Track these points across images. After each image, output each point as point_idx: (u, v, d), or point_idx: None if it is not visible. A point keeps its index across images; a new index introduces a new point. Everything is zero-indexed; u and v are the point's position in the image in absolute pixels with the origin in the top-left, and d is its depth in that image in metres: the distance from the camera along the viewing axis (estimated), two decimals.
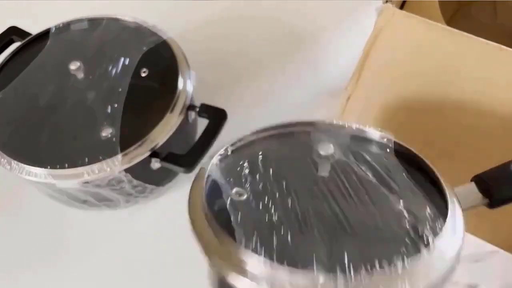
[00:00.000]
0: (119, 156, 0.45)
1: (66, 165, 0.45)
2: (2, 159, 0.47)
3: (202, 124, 0.52)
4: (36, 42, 0.55)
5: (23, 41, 0.56)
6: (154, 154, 0.48)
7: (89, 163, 0.45)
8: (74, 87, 0.50)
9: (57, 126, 0.48)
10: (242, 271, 0.31)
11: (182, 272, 0.52)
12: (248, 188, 0.36)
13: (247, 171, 0.37)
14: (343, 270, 0.30)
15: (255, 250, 0.32)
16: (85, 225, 0.56)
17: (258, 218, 0.34)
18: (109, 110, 0.48)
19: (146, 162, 0.48)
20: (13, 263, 0.54)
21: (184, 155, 0.48)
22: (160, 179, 0.54)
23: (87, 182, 0.46)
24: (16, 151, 0.47)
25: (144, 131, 0.47)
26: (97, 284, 0.52)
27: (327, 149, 0.37)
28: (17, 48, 0.55)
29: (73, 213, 0.56)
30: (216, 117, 0.51)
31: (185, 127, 0.52)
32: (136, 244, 0.54)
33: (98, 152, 0.45)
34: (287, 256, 0.31)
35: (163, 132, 0.48)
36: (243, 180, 0.37)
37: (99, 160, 0.45)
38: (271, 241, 0.32)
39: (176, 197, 0.58)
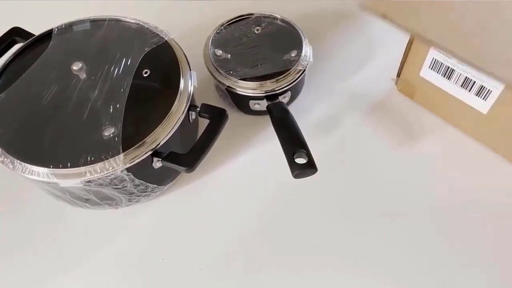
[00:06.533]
0: (121, 155, 0.46)
1: (69, 164, 0.45)
2: (5, 159, 0.47)
3: (203, 124, 0.52)
4: (38, 42, 0.56)
5: (26, 42, 0.56)
6: (156, 153, 0.48)
7: (92, 162, 0.45)
8: (76, 87, 0.51)
9: (59, 126, 0.49)
10: None
11: (183, 271, 0.53)
12: None
13: None
14: None
15: None
16: (87, 224, 0.56)
17: None
18: (111, 110, 0.49)
19: (147, 161, 0.48)
20: (15, 262, 0.54)
21: (185, 154, 0.48)
22: (161, 178, 0.55)
23: (89, 181, 0.46)
24: (19, 151, 0.47)
25: (146, 130, 0.48)
26: (99, 282, 0.52)
27: None
28: (19, 48, 0.56)
29: (76, 212, 0.56)
30: (217, 117, 0.51)
31: (186, 126, 0.53)
32: (138, 242, 0.55)
33: (100, 151, 0.46)
34: None
35: (164, 131, 0.48)
36: None
37: (101, 160, 0.45)
38: None
39: (178, 196, 0.58)
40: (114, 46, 0.54)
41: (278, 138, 0.53)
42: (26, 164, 0.46)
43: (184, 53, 0.55)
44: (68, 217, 0.57)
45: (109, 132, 0.47)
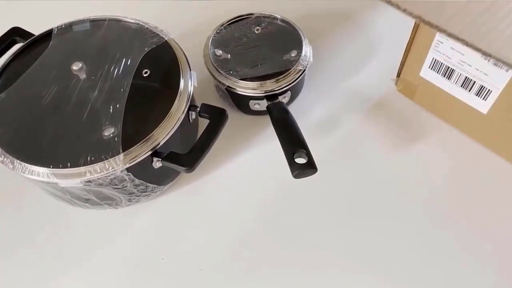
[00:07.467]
0: (121, 155, 0.46)
1: (69, 164, 0.45)
2: (5, 159, 0.47)
3: (203, 124, 0.52)
4: (38, 42, 0.56)
5: (26, 42, 0.56)
6: (156, 153, 0.48)
7: (92, 162, 0.45)
8: (76, 87, 0.51)
9: (59, 126, 0.49)
10: None
11: (183, 271, 0.53)
12: None
13: None
14: None
15: None
16: (87, 224, 0.56)
17: None
18: (111, 110, 0.49)
19: (147, 161, 0.48)
20: (15, 262, 0.54)
21: (185, 154, 0.48)
22: (161, 178, 0.55)
23: (89, 181, 0.46)
24: (19, 151, 0.47)
25: (146, 130, 0.48)
26: (99, 282, 0.52)
27: None
28: (19, 48, 0.56)
29: (76, 212, 0.56)
30: (217, 117, 0.51)
31: (186, 126, 0.53)
32: (138, 242, 0.55)
33: (100, 151, 0.46)
34: None
35: (164, 131, 0.48)
36: None
37: (101, 160, 0.45)
38: None
39: (178, 196, 0.58)
40: (114, 46, 0.54)
41: (278, 138, 0.53)
42: (26, 164, 0.46)
43: (184, 53, 0.55)
44: (68, 217, 0.57)
45: (109, 132, 0.47)
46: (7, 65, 0.54)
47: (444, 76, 0.56)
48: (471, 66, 0.53)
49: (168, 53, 0.54)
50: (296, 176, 0.49)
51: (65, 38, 0.56)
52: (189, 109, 0.52)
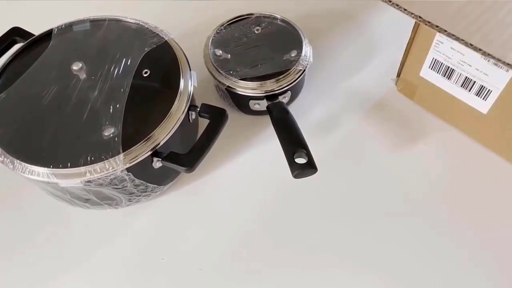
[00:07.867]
0: (121, 155, 0.46)
1: (69, 164, 0.45)
2: (5, 159, 0.47)
3: (203, 124, 0.52)
4: (38, 42, 0.56)
5: (26, 42, 0.56)
6: (156, 153, 0.48)
7: (92, 162, 0.45)
8: (76, 87, 0.51)
9: (59, 126, 0.49)
10: None
11: (183, 271, 0.53)
12: None
13: None
14: None
15: None
16: (87, 224, 0.56)
17: None
18: (111, 110, 0.49)
19: (147, 161, 0.48)
20: (15, 262, 0.54)
21: (185, 154, 0.48)
22: (161, 178, 0.55)
23: (89, 181, 0.46)
24: (19, 151, 0.47)
25: (146, 130, 0.48)
26: (99, 282, 0.52)
27: None
28: (19, 48, 0.56)
29: (76, 212, 0.56)
30: (217, 117, 0.51)
31: (186, 126, 0.53)
32: (138, 242, 0.55)
33: (100, 151, 0.46)
34: None
35: (164, 131, 0.48)
36: None
37: (101, 160, 0.45)
38: None
39: (178, 196, 0.58)
40: (114, 46, 0.54)
41: (278, 138, 0.53)
42: (26, 164, 0.46)
43: (184, 53, 0.55)
44: (68, 217, 0.57)
45: (109, 132, 0.47)
46: (7, 65, 0.54)
47: (444, 76, 0.56)
48: (471, 66, 0.53)
49: (168, 53, 0.54)
50: (296, 176, 0.49)
51: (65, 38, 0.56)
52: (189, 109, 0.52)
